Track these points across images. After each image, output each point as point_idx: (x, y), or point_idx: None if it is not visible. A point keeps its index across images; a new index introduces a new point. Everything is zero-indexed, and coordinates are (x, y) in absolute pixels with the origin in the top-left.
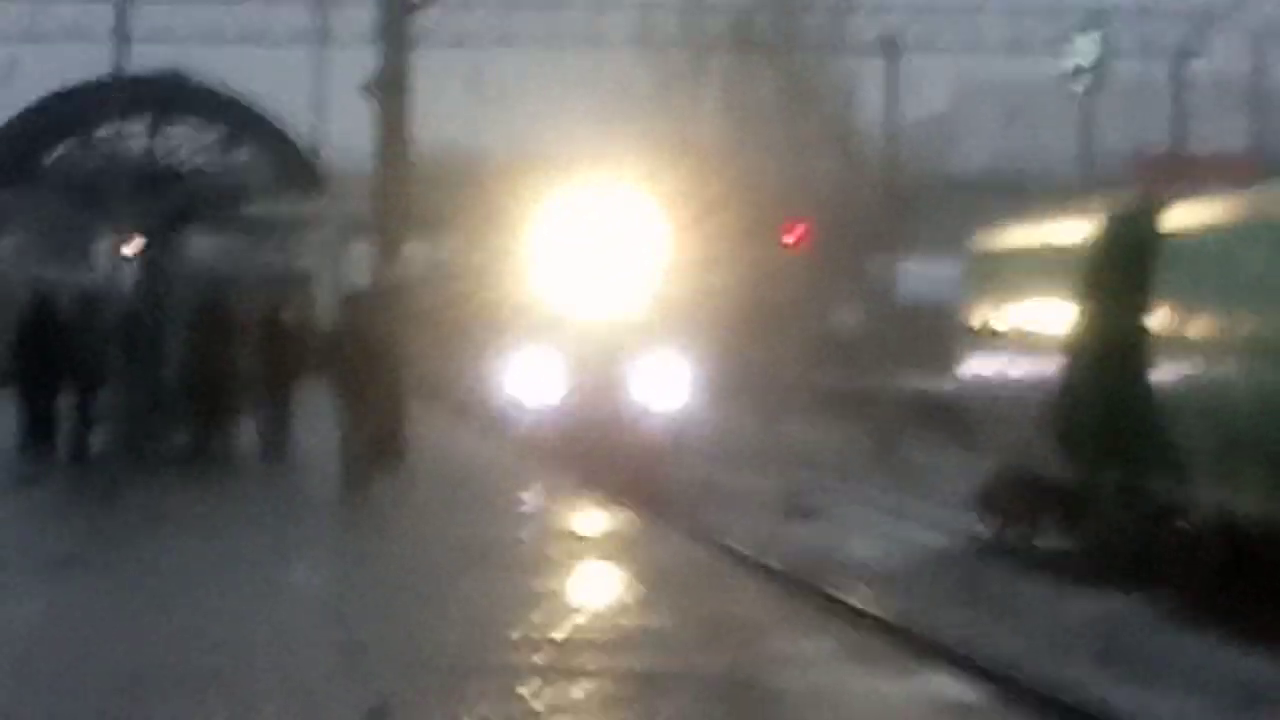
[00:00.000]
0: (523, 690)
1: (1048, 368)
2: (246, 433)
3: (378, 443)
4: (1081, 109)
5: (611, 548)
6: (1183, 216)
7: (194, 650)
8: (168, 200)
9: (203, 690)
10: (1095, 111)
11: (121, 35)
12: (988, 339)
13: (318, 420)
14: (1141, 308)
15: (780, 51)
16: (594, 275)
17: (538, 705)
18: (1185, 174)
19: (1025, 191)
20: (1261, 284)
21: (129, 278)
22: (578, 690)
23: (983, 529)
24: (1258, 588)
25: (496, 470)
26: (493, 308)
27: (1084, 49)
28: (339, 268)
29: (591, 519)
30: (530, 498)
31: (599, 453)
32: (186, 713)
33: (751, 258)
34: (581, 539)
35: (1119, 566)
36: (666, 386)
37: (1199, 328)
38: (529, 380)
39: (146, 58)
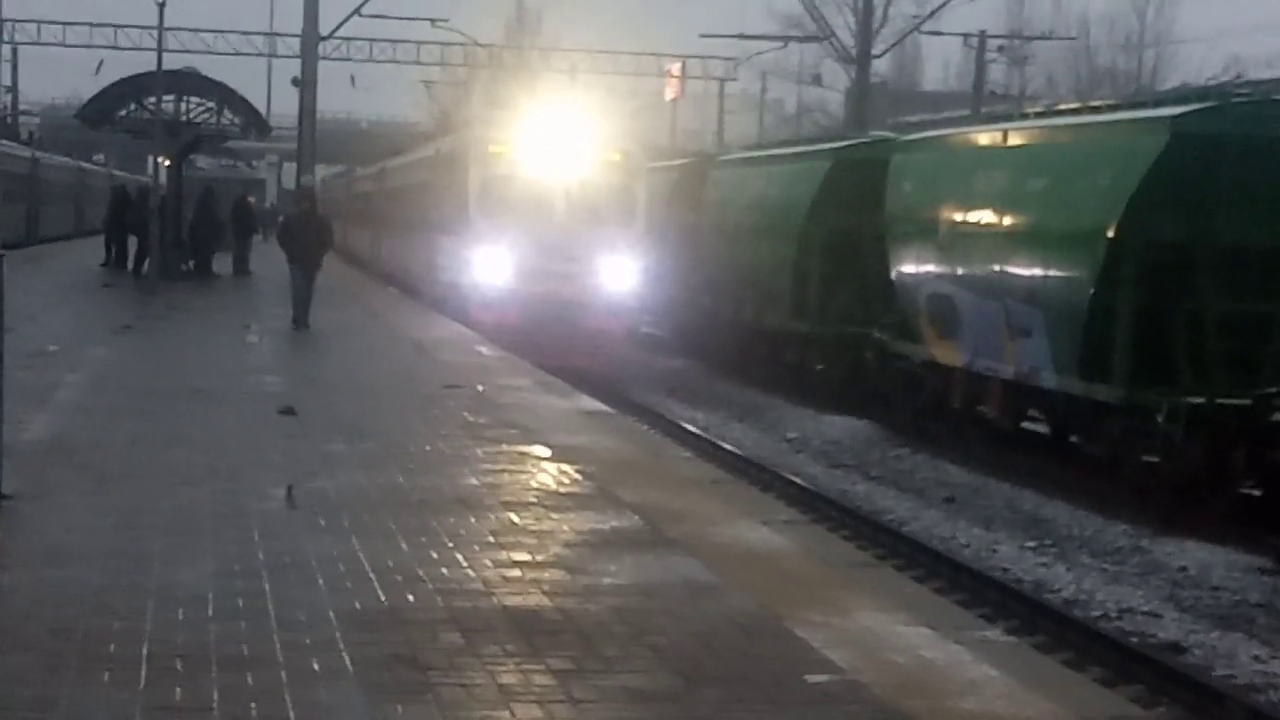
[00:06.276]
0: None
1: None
2: (225, 263)
3: (307, 277)
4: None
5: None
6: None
7: (196, 376)
8: (185, 138)
9: (202, 395)
10: (680, 110)
11: (160, 48)
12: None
13: (266, 259)
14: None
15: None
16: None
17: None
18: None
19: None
20: (752, 210)
21: (164, 179)
22: (399, 399)
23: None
24: (777, 364)
25: (367, 289)
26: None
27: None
28: (279, 176)
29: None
30: (383, 300)
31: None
32: (191, 406)
33: None
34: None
35: (694, 343)
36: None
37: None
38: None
39: (175, 60)
